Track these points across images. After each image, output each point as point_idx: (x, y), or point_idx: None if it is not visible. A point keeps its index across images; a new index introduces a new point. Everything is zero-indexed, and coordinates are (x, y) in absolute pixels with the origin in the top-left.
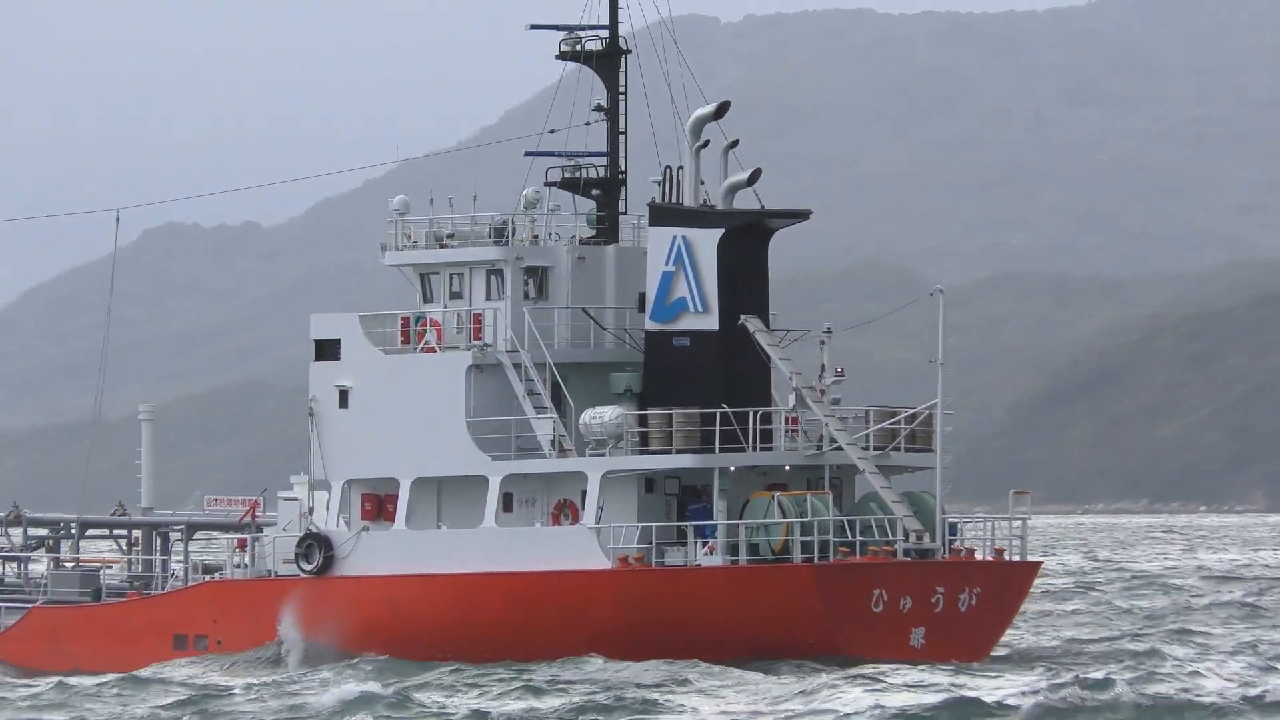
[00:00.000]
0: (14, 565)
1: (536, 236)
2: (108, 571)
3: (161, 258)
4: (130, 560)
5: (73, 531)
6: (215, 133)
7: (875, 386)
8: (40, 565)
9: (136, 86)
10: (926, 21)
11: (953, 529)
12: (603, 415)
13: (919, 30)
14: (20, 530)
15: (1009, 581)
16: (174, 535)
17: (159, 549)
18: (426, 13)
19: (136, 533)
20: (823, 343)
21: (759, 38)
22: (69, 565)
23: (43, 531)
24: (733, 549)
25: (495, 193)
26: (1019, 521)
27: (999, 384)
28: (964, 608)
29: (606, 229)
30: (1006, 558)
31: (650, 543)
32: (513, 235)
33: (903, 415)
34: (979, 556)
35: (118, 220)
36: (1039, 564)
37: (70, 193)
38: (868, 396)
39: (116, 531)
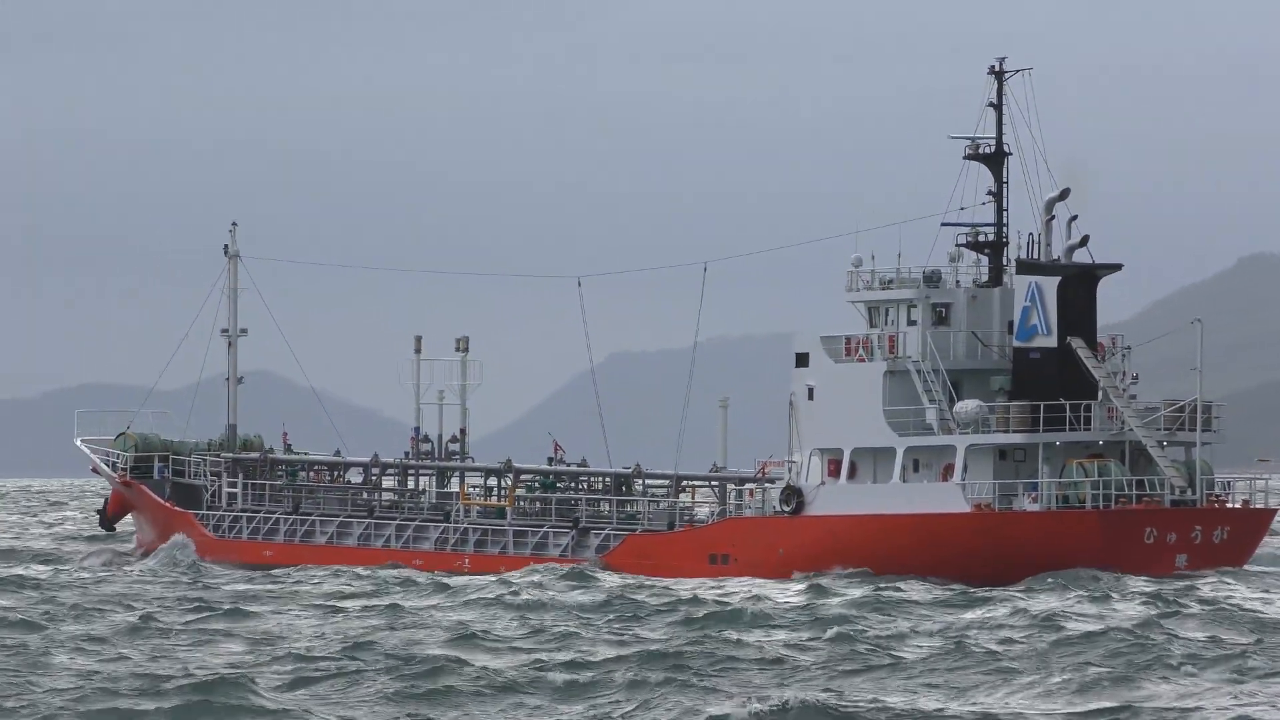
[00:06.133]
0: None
1: (959, 281)
2: (691, 510)
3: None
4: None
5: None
6: None
7: None
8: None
9: None
10: None
11: (1227, 485)
12: (967, 406)
13: None
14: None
15: (1251, 523)
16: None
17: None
18: None
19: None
20: (1123, 356)
21: None
22: (664, 505)
23: (665, 482)
24: (1053, 499)
25: (916, 251)
26: (1262, 480)
27: None
28: (1218, 540)
29: (993, 277)
30: (1251, 506)
31: (995, 495)
32: (930, 281)
33: (1184, 404)
34: (1230, 505)
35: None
36: (1275, 510)
37: None
38: None
39: (713, 484)
